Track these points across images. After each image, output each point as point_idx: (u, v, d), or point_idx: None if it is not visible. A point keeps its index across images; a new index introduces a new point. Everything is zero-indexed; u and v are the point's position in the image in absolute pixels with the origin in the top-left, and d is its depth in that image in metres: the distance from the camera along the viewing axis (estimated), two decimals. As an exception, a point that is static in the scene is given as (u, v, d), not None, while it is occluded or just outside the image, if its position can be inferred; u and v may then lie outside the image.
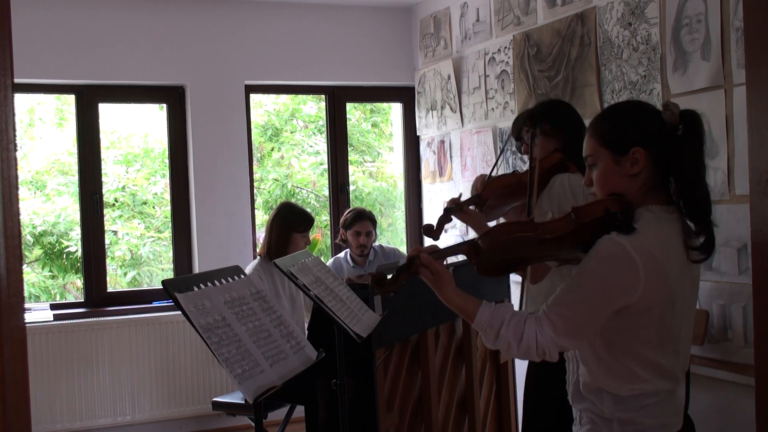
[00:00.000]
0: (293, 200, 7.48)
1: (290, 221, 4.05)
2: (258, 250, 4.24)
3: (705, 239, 1.75)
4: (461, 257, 2.44)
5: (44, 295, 6.91)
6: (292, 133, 7.85)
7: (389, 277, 1.82)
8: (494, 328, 1.75)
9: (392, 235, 7.78)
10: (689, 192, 1.76)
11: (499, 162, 2.93)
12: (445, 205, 2.79)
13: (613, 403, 1.78)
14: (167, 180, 5.47)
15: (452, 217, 2.75)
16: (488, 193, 2.75)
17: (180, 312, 1.97)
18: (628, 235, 1.69)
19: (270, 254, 3.99)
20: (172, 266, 5.33)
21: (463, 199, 2.79)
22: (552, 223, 1.78)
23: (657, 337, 1.75)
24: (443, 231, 2.76)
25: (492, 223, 2.92)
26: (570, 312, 1.72)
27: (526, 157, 2.91)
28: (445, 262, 1.92)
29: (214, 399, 4.37)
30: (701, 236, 1.76)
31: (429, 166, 5.50)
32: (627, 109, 1.91)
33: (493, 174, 2.90)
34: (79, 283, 6.31)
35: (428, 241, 5.60)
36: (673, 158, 1.76)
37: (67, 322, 4.77)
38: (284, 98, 7.68)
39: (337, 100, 5.59)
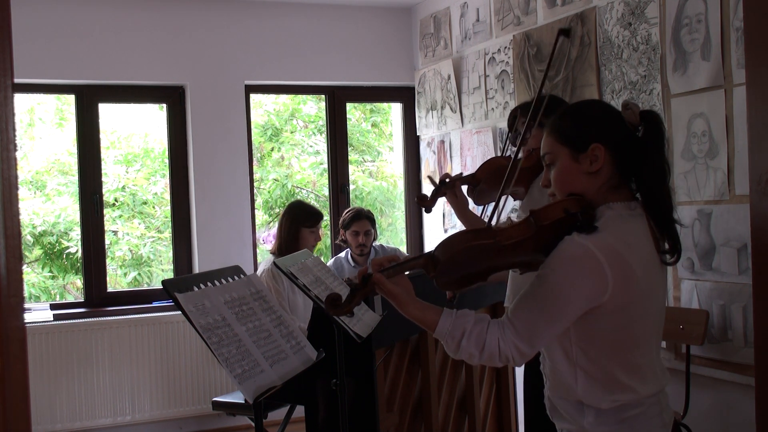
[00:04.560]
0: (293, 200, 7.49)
1: (298, 217, 4.12)
2: (270, 249, 4.30)
3: (670, 240, 1.73)
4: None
5: (44, 295, 6.91)
6: (292, 133, 7.85)
7: (344, 298, 1.69)
8: (455, 339, 1.68)
9: (392, 235, 7.78)
10: (650, 193, 1.73)
11: (504, 150, 2.95)
12: (440, 177, 2.77)
13: (595, 418, 1.73)
14: (167, 180, 5.47)
15: (446, 191, 2.73)
16: (482, 173, 2.71)
17: (180, 312, 1.97)
18: (590, 234, 1.65)
19: (281, 252, 4.05)
20: (172, 266, 5.33)
21: (457, 176, 2.77)
22: (511, 229, 1.71)
23: (635, 337, 1.71)
24: (436, 203, 2.74)
25: (477, 211, 2.91)
26: (532, 316, 1.66)
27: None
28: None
29: (214, 399, 4.37)
30: (665, 236, 1.74)
31: (429, 166, 5.50)
32: (586, 107, 1.88)
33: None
34: (79, 283, 6.31)
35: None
36: (634, 158, 1.73)
37: (67, 322, 4.77)
38: (284, 98, 7.68)
39: (337, 100, 5.59)
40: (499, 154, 4.60)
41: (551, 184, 1.79)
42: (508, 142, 2.96)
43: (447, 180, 2.73)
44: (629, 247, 1.67)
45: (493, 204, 2.86)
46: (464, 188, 2.81)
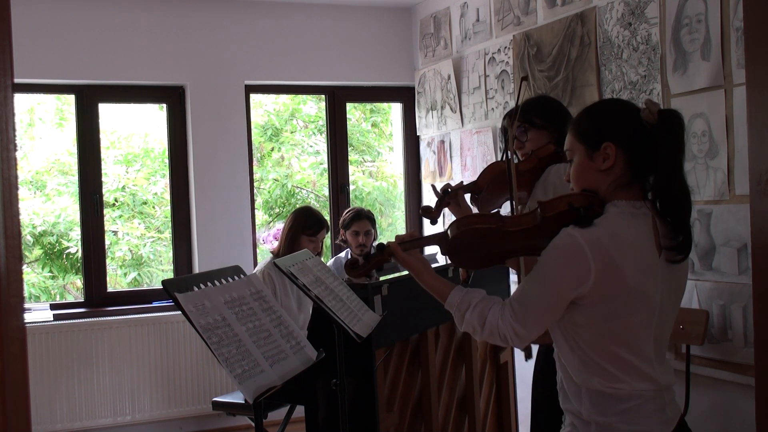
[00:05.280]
0: (293, 200, 7.50)
1: (300, 223, 4.11)
2: (272, 249, 4.32)
3: (682, 239, 1.75)
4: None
5: (44, 295, 6.91)
6: (292, 133, 7.85)
7: (361, 261, 1.92)
8: (461, 311, 1.83)
9: (392, 235, 7.76)
10: (665, 191, 1.76)
11: (503, 157, 2.81)
12: (441, 188, 2.71)
13: (591, 404, 1.77)
14: (167, 180, 5.47)
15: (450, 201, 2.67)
16: (483, 180, 2.65)
17: (180, 312, 1.97)
18: (583, 228, 1.72)
19: (278, 255, 4.03)
20: (172, 266, 5.34)
21: (459, 185, 2.69)
22: (518, 217, 1.83)
23: (619, 332, 1.74)
24: (441, 214, 2.68)
25: None
26: (527, 301, 1.77)
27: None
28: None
29: (214, 399, 4.37)
30: (678, 236, 1.76)
31: (429, 166, 5.50)
32: (605, 105, 1.95)
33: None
34: (79, 283, 6.31)
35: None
36: (651, 157, 1.77)
37: (67, 322, 4.78)
38: (284, 98, 7.68)
39: (337, 100, 5.59)
40: (499, 156, 4.59)
41: (571, 180, 1.87)
42: (506, 149, 2.87)
43: (449, 190, 2.69)
44: (620, 244, 1.71)
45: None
46: (467, 197, 2.75)
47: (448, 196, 2.64)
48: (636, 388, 1.75)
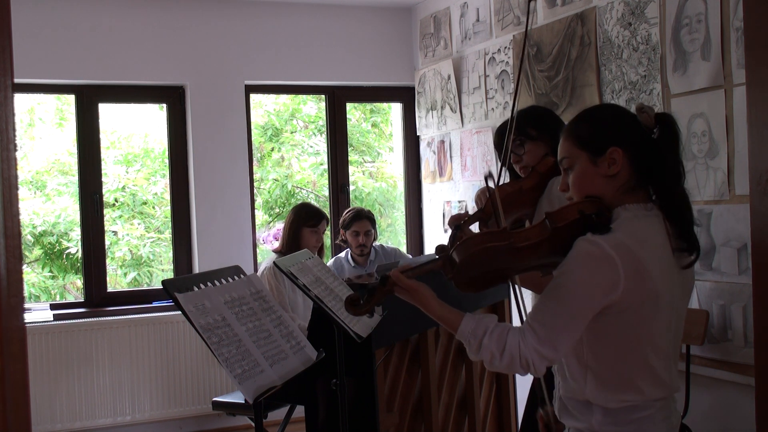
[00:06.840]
0: (293, 201, 7.51)
1: (300, 217, 4.25)
2: (274, 248, 4.39)
3: (688, 242, 1.73)
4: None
5: (44, 295, 6.91)
6: (292, 133, 7.85)
7: (363, 298, 1.76)
8: (477, 338, 1.70)
9: (392, 235, 7.78)
10: (668, 196, 1.74)
11: (501, 173, 2.79)
12: (448, 223, 2.70)
13: (602, 416, 1.73)
14: (167, 180, 5.47)
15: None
16: (491, 206, 2.67)
17: (180, 312, 1.97)
18: (603, 234, 1.67)
19: (283, 251, 4.15)
20: (172, 266, 5.34)
21: (467, 216, 2.71)
22: (526, 231, 1.73)
23: (647, 337, 1.71)
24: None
25: None
26: (551, 318, 1.67)
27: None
28: None
29: (214, 399, 4.37)
30: (683, 239, 1.74)
31: (429, 166, 5.50)
32: (602, 110, 1.90)
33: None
34: (79, 283, 6.31)
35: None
36: (651, 161, 1.75)
37: (67, 322, 4.77)
38: (284, 98, 7.68)
39: (337, 100, 5.59)
40: (496, 160, 4.56)
41: (569, 188, 1.80)
42: (503, 168, 2.84)
43: (461, 223, 2.67)
44: (643, 245, 1.67)
45: None
46: (476, 225, 2.73)
47: (460, 230, 2.62)
48: (649, 397, 1.72)
